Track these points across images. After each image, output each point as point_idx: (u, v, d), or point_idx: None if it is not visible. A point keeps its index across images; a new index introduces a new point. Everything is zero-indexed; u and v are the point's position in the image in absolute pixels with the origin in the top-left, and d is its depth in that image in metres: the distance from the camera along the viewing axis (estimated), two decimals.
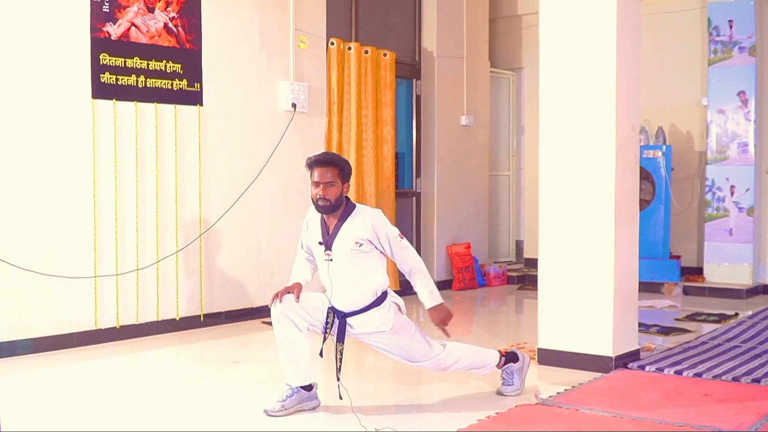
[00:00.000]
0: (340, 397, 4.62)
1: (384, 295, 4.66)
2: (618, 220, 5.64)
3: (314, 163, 4.61)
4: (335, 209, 4.60)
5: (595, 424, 4.40)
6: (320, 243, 4.68)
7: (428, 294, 4.66)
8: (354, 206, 4.67)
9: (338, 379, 4.63)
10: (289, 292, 4.57)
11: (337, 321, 4.62)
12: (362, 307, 4.60)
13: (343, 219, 4.62)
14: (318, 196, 4.56)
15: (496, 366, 5.01)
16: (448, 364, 4.84)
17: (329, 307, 4.63)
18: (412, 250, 4.68)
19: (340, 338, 4.62)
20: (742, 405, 4.75)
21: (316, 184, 4.57)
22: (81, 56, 6.50)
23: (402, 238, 4.64)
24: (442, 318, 4.69)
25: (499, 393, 5.03)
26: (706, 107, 9.79)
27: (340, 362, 4.63)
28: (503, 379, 5.05)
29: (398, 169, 9.63)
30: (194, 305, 7.26)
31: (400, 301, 4.75)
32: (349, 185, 4.68)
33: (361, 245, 4.54)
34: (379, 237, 4.58)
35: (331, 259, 4.62)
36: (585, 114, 5.72)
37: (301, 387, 4.65)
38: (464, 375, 5.17)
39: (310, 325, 4.61)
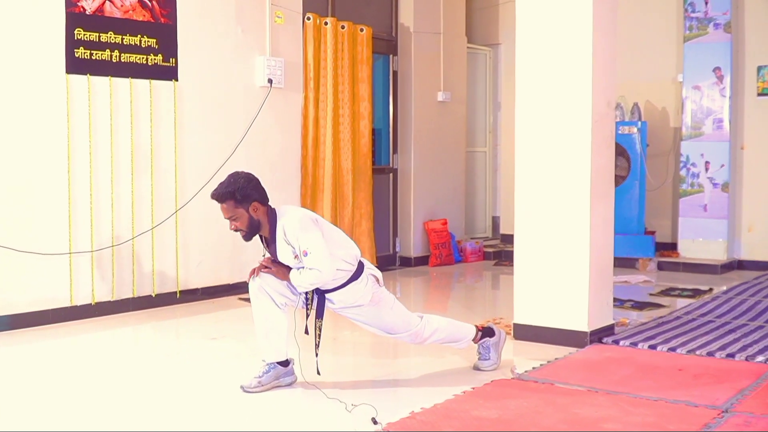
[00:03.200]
0: (318, 372, 4.63)
1: (361, 268, 4.66)
2: (593, 195, 5.66)
3: (212, 198, 4.52)
4: (256, 232, 4.54)
5: (570, 398, 4.43)
6: (274, 261, 4.61)
7: (300, 277, 4.44)
8: (274, 216, 4.52)
9: (317, 355, 4.63)
10: (266, 267, 4.56)
11: (317, 297, 4.62)
12: (340, 284, 4.60)
13: (273, 236, 4.52)
14: (233, 230, 4.54)
15: (473, 340, 5.04)
16: (425, 337, 4.85)
17: None
18: (319, 263, 4.36)
19: (320, 314, 4.62)
20: (717, 380, 4.79)
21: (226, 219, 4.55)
22: (56, 31, 6.43)
23: (307, 254, 4.37)
24: (278, 271, 4.54)
25: (476, 368, 5.06)
26: (682, 83, 9.84)
27: (319, 338, 4.63)
28: (480, 353, 5.08)
29: (375, 145, 9.62)
30: (170, 282, 7.24)
31: (377, 272, 4.76)
32: (257, 203, 4.47)
33: (298, 257, 4.45)
34: (294, 245, 4.45)
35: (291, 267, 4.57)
36: (561, 90, 5.73)
37: (278, 363, 4.65)
38: (441, 350, 5.19)
39: (288, 300, 4.61)
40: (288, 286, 4.58)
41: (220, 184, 4.51)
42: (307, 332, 4.65)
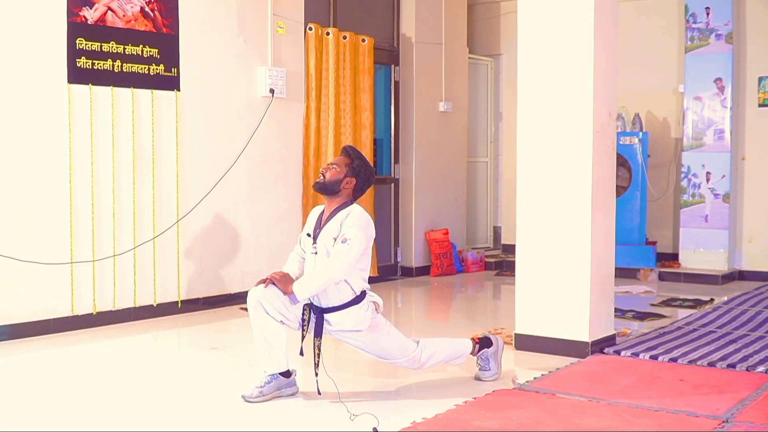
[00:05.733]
0: (319, 392, 4.62)
1: (363, 294, 4.67)
2: (595, 206, 5.66)
3: (346, 146, 4.86)
4: (326, 191, 4.67)
5: (572, 409, 4.43)
6: (308, 235, 4.74)
7: (302, 281, 4.55)
8: (350, 204, 4.70)
9: (316, 375, 4.63)
10: (274, 281, 4.56)
11: (315, 317, 4.63)
12: (341, 303, 4.61)
13: (334, 214, 4.65)
14: (320, 173, 4.73)
15: (471, 354, 5.04)
16: (423, 361, 4.86)
17: (306, 304, 4.64)
18: (343, 259, 4.48)
19: (318, 333, 4.63)
20: (718, 390, 4.79)
21: (328, 164, 4.78)
22: (57, 41, 6.44)
23: (345, 242, 4.49)
24: (283, 281, 4.58)
25: (477, 378, 5.05)
26: (683, 94, 9.85)
27: (318, 357, 4.63)
28: (479, 365, 5.07)
29: (377, 155, 9.63)
30: (171, 291, 7.24)
31: (378, 299, 4.77)
32: (355, 182, 4.69)
33: (344, 242, 4.52)
34: (343, 230, 4.57)
35: (316, 253, 4.62)
36: (562, 100, 5.74)
37: (280, 373, 4.65)
38: None
39: (285, 318, 4.60)
40: (285, 305, 4.58)
41: (353, 146, 4.87)
42: (302, 354, 4.66)
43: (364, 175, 4.73)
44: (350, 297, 4.62)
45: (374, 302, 4.74)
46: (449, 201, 10.40)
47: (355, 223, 4.55)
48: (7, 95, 6.21)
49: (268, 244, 7.93)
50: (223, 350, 5.98)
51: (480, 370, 5.07)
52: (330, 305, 4.62)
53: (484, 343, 5.07)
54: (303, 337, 4.66)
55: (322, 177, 4.69)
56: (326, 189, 4.67)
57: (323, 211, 4.76)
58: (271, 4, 7.97)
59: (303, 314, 4.63)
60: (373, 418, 4.15)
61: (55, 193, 6.44)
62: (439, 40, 10.16)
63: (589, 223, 5.64)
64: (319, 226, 4.70)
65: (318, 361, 4.63)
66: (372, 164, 9.09)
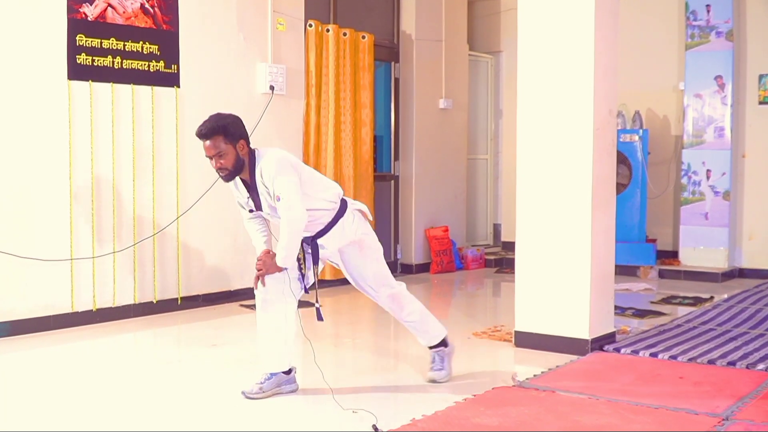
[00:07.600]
0: (321, 318, 4.66)
1: (344, 205, 4.64)
2: (595, 203, 5.66)
3: (198, 136, 4.42)
4: (239, 172, 4.45)
5: (571, 406, 4.43)
6: (251, 211, 4.60)
7: (280, 252, 4.41)
8: (256, 160, 4.43)
9: (317, 301, 4.63)
10: (263, 277, 4.54)
11: (308, 247, 4.59)
12: (325, 225, 4.57)
13: (253, 177, 4.44)
14: (217, 169, 4.43)
15: (437, 343, 4.99)
16: (403, 305, 4.87)
17: None
18: (291, 207, 4.32)
19: (315, 260, 4.62)
20: (718, 388, 4.78)
21: (209, 157, 4.43)
22: (57, 37, 6.44)
23: (280, 199, 4.31)
24: (267, 266, 4.49)
25: (432, 380, 4.94)
26: (683, 91, 9.85)
27: (317, 282, 4.66)
28: (433, 363, 5.00)
29: (376, 152, 9.62)
30: (171, 288, 7.24)
31: (362, 206, 4.77)
32: (243, 141, 4.42)
33: (279, 199, 4.36)
34: (269, 188, 4.39)
35: (270, 214, 4.54)
36: (563, 98, 5.73)
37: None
38: None
39: (298, 289, 4.59)
40: (290, 280, 4.53)
41: (207, 120, 4.41)
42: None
43: (239, 129, 4.41)
44: (330, 216, 4.58)
45: (359, 210, 4.72)
46: (449, 198, 10.40)
47: (273, 174, 4.33)
48: (7, 92, 6.20)
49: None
50: (222, 347, 5.98)
51: (433, 369, 4.99)
52: (317, 230, 4.57)
53: (442, 341, 5.06)
54: (303, 275, 4.60)
55: (224, 170, 4.41)
56: (237, 172, 4.45)
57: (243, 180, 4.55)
58: (271, 1, 7.96)
59: (298, 257, 4.54)
60: (372, 416, 4.15)
61: (55, 189, 6.44)
62: (440, 37, 10.15)
63: (589, 220, 5.64)
64: (251, 192, 4.51)
65: (316, 284, 4.66)
66: (372, 161, 9.09)
